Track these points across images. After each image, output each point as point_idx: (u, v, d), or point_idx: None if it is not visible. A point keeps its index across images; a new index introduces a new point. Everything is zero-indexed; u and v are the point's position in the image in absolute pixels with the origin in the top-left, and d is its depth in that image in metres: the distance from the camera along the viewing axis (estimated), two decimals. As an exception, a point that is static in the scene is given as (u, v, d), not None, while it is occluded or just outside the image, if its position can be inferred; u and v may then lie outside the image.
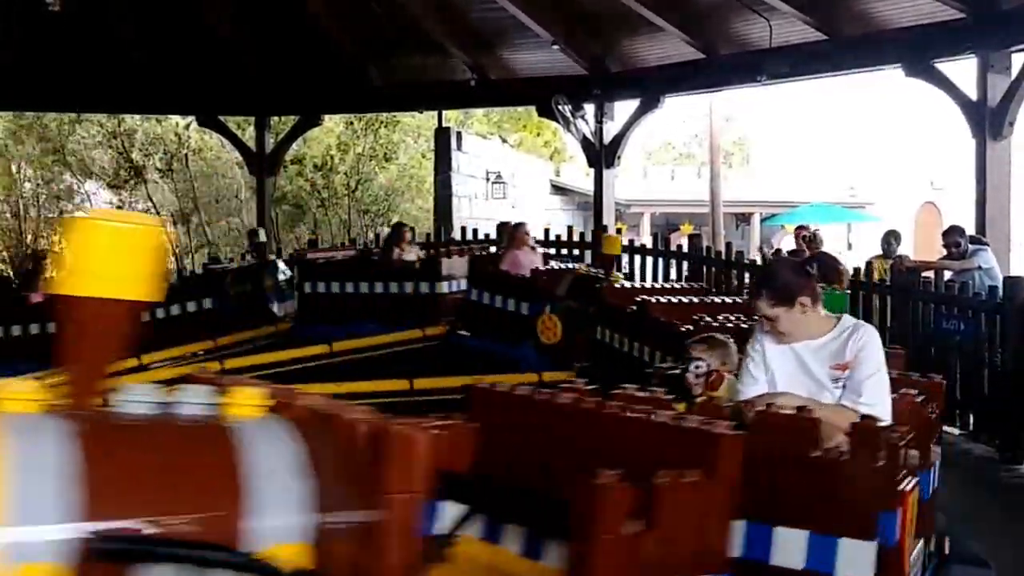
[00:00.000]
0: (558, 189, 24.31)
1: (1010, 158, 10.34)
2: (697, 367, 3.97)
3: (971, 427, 8.00)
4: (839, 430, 2.87)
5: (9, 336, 8.95)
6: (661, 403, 2.73)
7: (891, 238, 10.29)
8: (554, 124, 17.14)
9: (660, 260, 12.55)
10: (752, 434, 2.42)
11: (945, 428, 7.85)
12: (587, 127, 14.16)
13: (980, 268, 8.85)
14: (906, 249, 11.81)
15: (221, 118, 16.58)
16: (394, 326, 8.84)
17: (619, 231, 13.99)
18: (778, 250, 12.78)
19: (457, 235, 14.25)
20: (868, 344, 3.31)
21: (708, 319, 5.16)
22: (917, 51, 10.48)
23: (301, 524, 1.37)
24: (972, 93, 10.15)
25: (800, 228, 13.09)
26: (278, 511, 1.36)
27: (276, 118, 17.19)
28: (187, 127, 21.44)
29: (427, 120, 21.19)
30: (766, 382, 3.42)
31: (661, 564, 1.96)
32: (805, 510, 2.65)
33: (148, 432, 1.37)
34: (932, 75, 10.51)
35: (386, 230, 20.11)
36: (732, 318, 5.17)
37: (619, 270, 10.14)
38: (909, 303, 8.68)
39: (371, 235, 15.30)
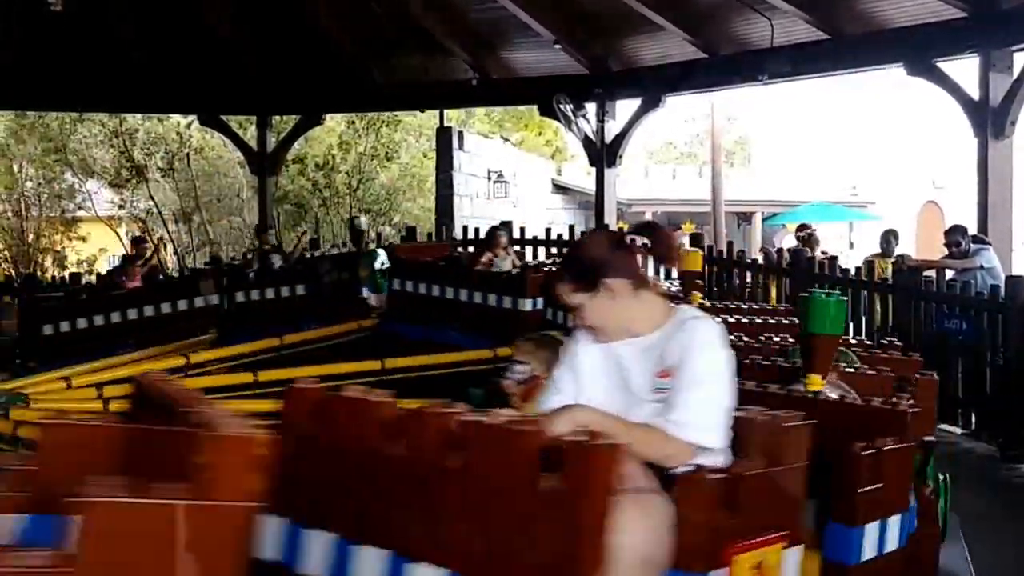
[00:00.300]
0: (560, 188, 24.31)
1: (1012, 157, 10.34)
2: (518, 372, 3.35)
3: (973, 426, 8.00)
4: (655, 459, 2.27)
5: (109, 322, 8.94)
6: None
7: (890, 237, 10.30)
8: (556, 123, 17.14)
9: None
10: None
11: (947, 427, 7.89)
12: (588, 126, 14.16)
13: (982, 267, 8.86)
14: (908, 248, 11.83)
15: (223, 117, 16.59)
16: (476, 338, 7.87)
17: (621, 230, 13.96)
18: (780, 249, 12.76)
19: (459, 234, 14.25)
20: (695, 343, 2.44)
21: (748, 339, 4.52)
22: (919, 50, 10.47)
23: None
24: (974, 92, 10.14)
25: (801, 227, 13.09)
26: None
27: (277, 117, 17.22)
28: (189, 126, 21.46)
29: (428, 119, 21.20)
30: (574, 392, 2.58)
31: None
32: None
33: None
34: (934, 74, 10.51)
35: (387, 229, 20.20)
36: (775, 339, 4.54)
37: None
38: (911, 302, 8.69)
39: (372, 234, 15.26)
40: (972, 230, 9.56)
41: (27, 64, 13.80)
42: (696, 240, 12.95)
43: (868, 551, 2.54)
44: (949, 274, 8.87)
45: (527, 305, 8.15)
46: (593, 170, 14.81)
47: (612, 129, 14.15)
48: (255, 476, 1.55)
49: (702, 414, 2.33)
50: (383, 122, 21.93)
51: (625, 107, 14.31)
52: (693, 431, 2.32)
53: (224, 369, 7.05)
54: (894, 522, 2.63)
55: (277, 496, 1.79)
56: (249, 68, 14.91)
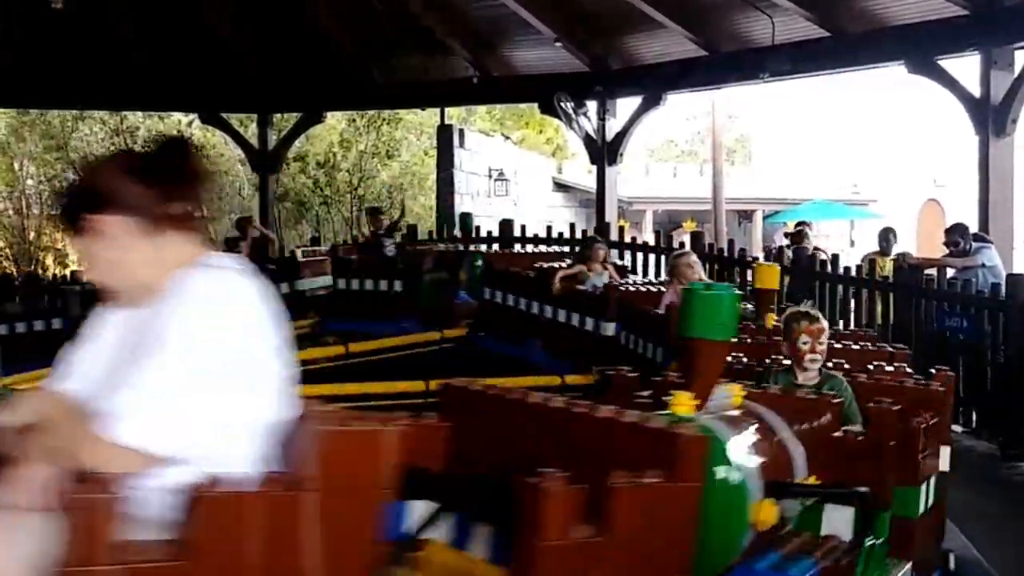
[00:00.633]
0: (560, 186, 24.29)
1: (1013, 155, 10.33)
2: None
3: (974, 424, 7.99)
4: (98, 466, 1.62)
5: None
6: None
7: (888, 234, 10.30)
8: (556, 121, 17.13)
9: (663, 258, 12.53)
10: None
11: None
12: (589, 124, 14.16)
13: (983, 265, 8.84)
14: (909, 247, 11.82)
15: (223, 115, 16.60)
16: (562, 359, 7.32)
17: (621, 228, 13.98)
18: (781, 247, 12.74)
19: (459, 233, 14.23)
20: (175, 306, 1.75)
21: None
22: (920, 48, 10.46)
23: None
24: (975, 90, 10.13)
25: (801, 224, 13.08)
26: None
27: (278, 115, 17.21)
28: (189, 124, 21.45)
29: (429, 117, 21.18)
30: (84, 372, 1.94)
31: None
32: None
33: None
34: (935, 72, 10.49)
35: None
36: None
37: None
38: (912, 300, 8.68)
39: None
40: (973, 228, 9.54)
41: (28, 62, 13.81)
42: (696, 239, 12.92)
43: None
44: (950, 272, 8.86)
45: (609, 330, 7.36)
46: (594, 168, 14.80)
47: (613, 127, 14.14)
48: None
49: (156, 408, 1.69)
50: (384, 120, 21.94)
51: (626, 105, 14.31)
52: (138, 431, 1.68)
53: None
54: None
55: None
56: (250, 66, 14.91)
